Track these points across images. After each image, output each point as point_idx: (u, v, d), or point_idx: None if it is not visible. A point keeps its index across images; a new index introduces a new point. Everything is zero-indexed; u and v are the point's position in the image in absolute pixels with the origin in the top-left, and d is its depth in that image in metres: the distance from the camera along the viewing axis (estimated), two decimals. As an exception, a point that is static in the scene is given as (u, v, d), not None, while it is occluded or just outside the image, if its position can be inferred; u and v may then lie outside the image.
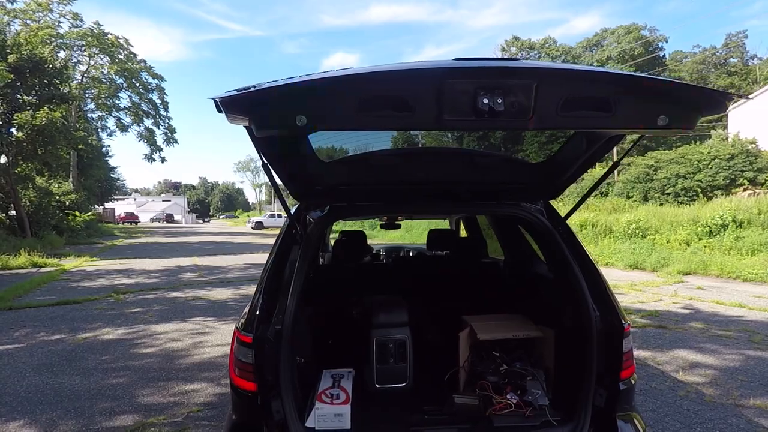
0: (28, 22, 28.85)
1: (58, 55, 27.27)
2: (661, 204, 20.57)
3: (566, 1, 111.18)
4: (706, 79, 46.18)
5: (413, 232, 20.10)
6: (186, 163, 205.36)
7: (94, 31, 33.76)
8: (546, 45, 52.68)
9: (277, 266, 2.30)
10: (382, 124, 1.67)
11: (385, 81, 1.52)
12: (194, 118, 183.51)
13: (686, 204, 19.36)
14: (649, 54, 45.99)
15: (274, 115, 1.49)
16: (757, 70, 43.50)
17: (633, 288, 9.47)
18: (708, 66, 48.37)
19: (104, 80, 37.04)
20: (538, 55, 52.02)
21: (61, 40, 31.89)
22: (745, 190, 19.86)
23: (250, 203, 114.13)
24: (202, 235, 35.48)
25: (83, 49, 34.67)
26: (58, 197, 25.59)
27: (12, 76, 16.83)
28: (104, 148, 42.00)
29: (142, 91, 38.65)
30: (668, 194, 21.56)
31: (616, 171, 24.95)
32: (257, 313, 2.12)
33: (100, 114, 38.71)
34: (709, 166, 21.10)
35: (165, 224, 69.20)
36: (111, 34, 35.15)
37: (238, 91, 1.40)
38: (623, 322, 2.18)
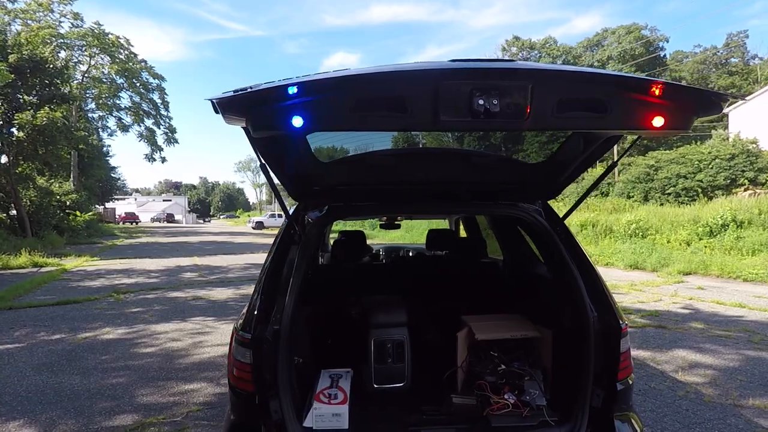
0: (29, 22, 28.96)
1: (59, 55, 27.30)
2: (662, 204, 20.58)
3: (567, 1, 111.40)
4: (707, 79, 46.13)
5: (413, 232, 20.11)
6: (187, 163, 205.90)
7: (95, 31, 33.84)
8: (546, 45, 52.57)
9: (276, 266, 2.30)
10: (378, 125, 1.67)
11: (382, 82, 1.53)
12: (195, 118, 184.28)
13: (687, 204, 19.36)
14: (649, 54, 45.91)
15: (271, 116, 1.49)
16: (758, 70, 43.39)
17: (633, 288, 9.46)
18: (709, 66, 48.30)
19: (105, 80, 37.10)
20: (538, 55, 51.90)
21: (62, 40, 31.98)
22: (745, 190, 19.87)
23: (251, 203, 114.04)
24: (202, 235, 35.48)
25: (84, 49, 34.76)
26: (58, 197, 25.61)
27: (13, 75, 16.84)
28: (105, 148, 42.12)
29: (143, 91, 38.72)
30: (669, 194, 21.57)
31: (616, 171, 24.95)
32: (255, 313, 2.12)
33: (101, 114, 38.84)
34: (710, 166, 21.11)
35: (165, 224, 69.23)
36: (111, 34, 35.26)
37: (234, 92, 1.41)
38: (621, 322, 2.17)
